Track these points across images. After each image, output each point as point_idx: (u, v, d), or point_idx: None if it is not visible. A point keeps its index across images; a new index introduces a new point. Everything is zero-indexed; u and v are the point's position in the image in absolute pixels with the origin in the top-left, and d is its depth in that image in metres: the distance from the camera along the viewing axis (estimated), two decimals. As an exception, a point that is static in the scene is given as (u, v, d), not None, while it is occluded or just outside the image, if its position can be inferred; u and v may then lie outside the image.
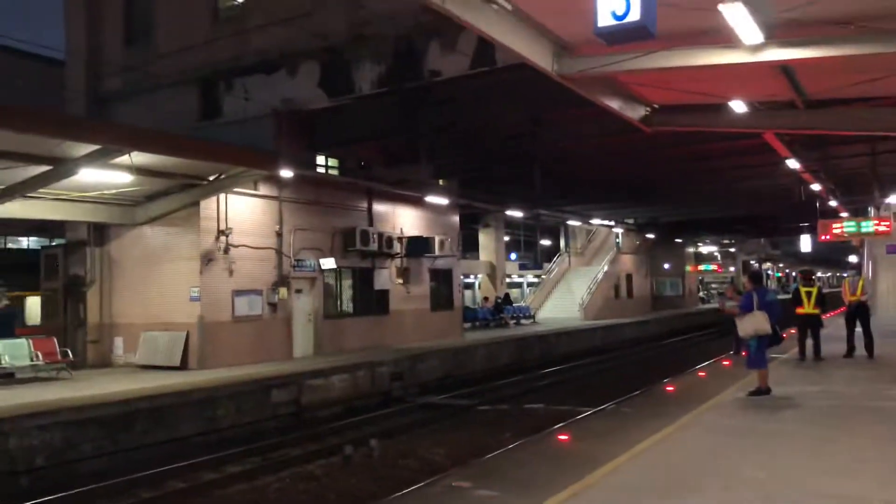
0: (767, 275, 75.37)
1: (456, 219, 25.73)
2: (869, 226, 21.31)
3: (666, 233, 43.64)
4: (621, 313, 37.67)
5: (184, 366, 16.14)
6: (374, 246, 20.61)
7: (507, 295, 34.78)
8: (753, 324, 10.28)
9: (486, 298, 33.09)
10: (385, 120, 18.46)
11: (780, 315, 10.58)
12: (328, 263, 19.41)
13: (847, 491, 5.88)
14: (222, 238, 16.69)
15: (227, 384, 13.94)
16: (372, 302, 21.43)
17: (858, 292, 15.03)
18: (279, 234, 18.23)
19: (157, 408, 12.40)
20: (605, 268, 38.72)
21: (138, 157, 13.02)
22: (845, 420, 8.88)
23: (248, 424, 13.77)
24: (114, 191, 15.47)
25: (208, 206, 16.53)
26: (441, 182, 24.92)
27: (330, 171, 21.04)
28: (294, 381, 15.05)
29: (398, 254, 22.38)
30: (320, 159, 20.67)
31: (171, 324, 16.65)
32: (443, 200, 23.38)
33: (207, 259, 16.44)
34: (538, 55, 9.50)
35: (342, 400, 16.10)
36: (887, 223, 20.27)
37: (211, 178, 15.95)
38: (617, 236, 42.26)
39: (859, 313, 14.93)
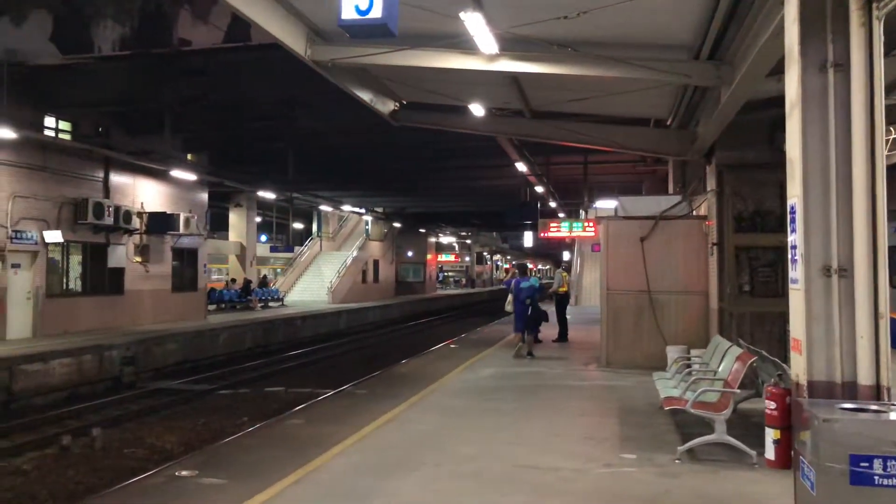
0: (497, 265, 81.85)
1: (204, 196, 24.72)
2: (579, 227, 23.85)
3: (411, 222, 45.51)
4: (368, 297, 38.89)
5: None
6: (109, 220, 19.15)
7: (264, 277, 34.67)
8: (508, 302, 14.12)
9: (233, 280, 32.17)
10: (128, 85, 17.17)
11: (531, 295, 13.65)
12: (53, 236, 17.73)
13: (542, 462, 6.63)
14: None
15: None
16: (105, 280, 19.95)
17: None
18: (-7, 202, 16.37)
19: None
20: (355, 253, 39.62)
21: None
22: (545, 397, 10.00)
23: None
24: None
25: None
26: (189, 157, 23.77)
27: (61, 136, 19.16)
28: (3, 366, 13.59)
29: (137, 230, 21.02)
30: (49, 121, 18.74)
31: None
32: (190, 176, 22.32)
33: None
34: (291, 38, 9.35)
35: (65, 386, 14.84)
36: (593, 226, 22.72)
37: None
38: (367, 223, 43.31)
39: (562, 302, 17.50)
